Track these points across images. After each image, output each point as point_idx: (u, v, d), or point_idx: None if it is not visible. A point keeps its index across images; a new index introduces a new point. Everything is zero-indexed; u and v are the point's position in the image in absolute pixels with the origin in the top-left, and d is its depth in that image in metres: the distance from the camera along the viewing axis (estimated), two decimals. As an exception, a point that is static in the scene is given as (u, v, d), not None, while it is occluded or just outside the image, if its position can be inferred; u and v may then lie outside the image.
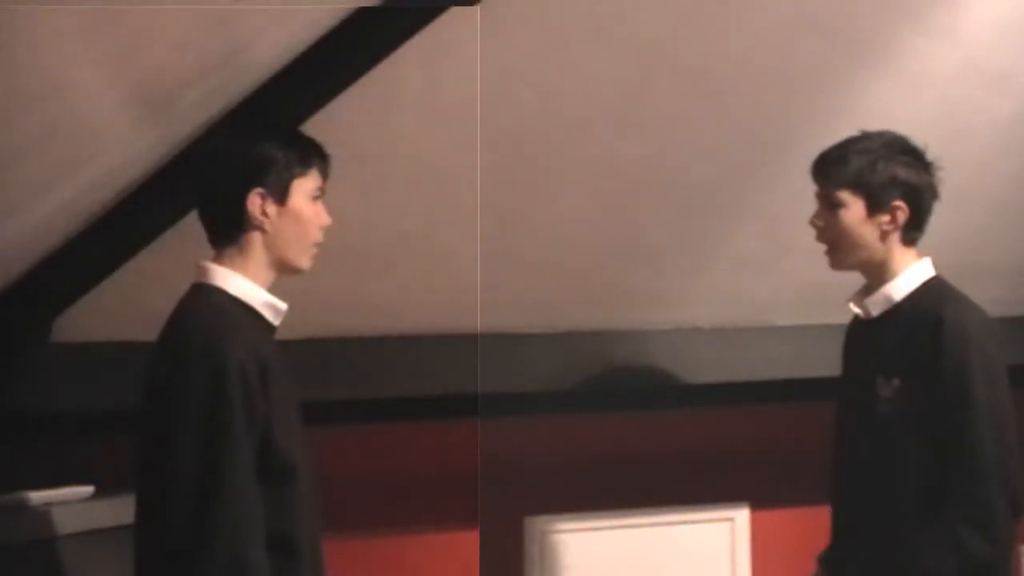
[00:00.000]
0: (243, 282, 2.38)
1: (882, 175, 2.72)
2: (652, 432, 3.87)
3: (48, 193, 2.66)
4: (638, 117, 3.07)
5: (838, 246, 2.76)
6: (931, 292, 2.74)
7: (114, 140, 2.62)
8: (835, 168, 2.74)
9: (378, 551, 3.61)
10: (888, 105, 3.19)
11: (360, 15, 2.57)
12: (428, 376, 3.44)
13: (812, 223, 2.78)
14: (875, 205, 2.72)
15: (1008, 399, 2.67)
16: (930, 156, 2.78)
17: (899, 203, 2.72)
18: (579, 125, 3.03)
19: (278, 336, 2.46)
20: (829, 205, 2.75)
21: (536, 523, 3.74)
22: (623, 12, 2.80)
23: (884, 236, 2.74)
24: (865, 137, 2.77)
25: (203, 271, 2.39)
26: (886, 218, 2.73)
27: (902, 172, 2.73)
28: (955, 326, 2.64)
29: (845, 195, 2.73)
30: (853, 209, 2.73)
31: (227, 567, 2.17)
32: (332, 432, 3.13)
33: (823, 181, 2.77)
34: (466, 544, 3.72)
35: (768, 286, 3.66)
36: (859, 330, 2.88)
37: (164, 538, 2.21)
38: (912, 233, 2.77)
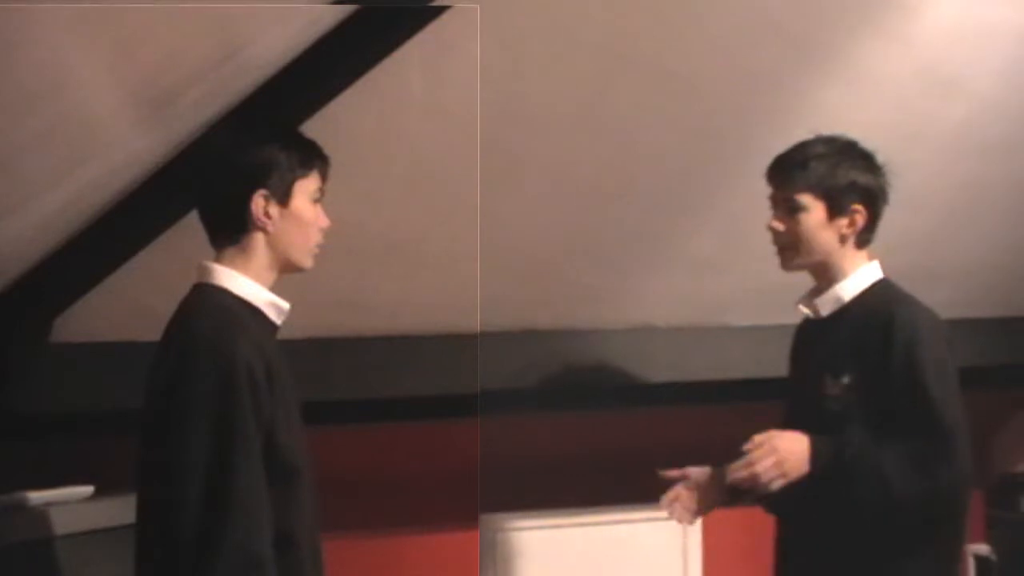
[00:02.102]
0: (246, 282, 2.37)
1: (843, 179, 2.73)
2: (607, 430, 3.89)
3: (48, 193, 2.66)
4: (597, 117, 3.09)
5: (795, 249, 2.76)
6: (880, 293, 2.76)
7: (114, 140, 2.62)
8: (796, 172, 2.75)
9: (377, 550, 3.62)
10: (843, 108, 3.22)
11: (359, 16, 2.58)
12: (422, 376, 3.44)
13: (771, 227, 2.78)
14: (835, 209, 2.73)
15: (959, 396, 2.67)
16: (880, 159, 2.79)
17: (858, 207, 2.74)
18: (539, 125, 3.04)
19: (280, 335, 2.46)
20: (788, 208, 2.75)
21: (490, 521, 3.74)
22: (586, 14, 2.82)
23: (842, 240, 2.75)
24: (822, 141, 2.77)
25: (205, 271, 2.38)
26: (845, 222, 2.74)
27: (861, 176, 2.74)
28: (906, 326, 2.65)
29: (806, 199, 2.73)
30: (814, 213, 2.73)
31: (239, 566, 2.16)
32: (330, 432, 3.13)
33: (782, 184, 2.77)
34: (465, 543, 3.73)
35: (725, 286, 3.69)
36: (808, 330, 2.90)
37: (171, 538, 2.19)
38: (866, 236, 2.78)
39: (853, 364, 2.70)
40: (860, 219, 2.75)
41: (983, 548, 4.22)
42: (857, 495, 2.64)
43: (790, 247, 2.78)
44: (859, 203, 2.74)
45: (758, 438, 2.65)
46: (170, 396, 2.24)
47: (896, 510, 2.62)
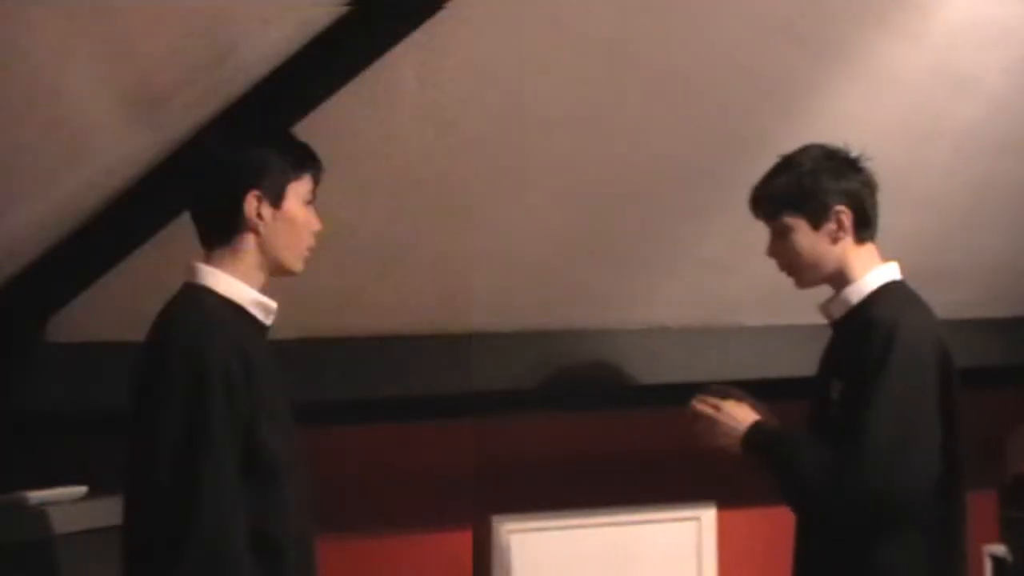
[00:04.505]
0: (232, 281, 2.38)
1: (813, 187, 2.72)
2: (619, 431, 3.87)
3: (42, 194, 2.67)
4: (606, 118, 3.07)
5: (798, 268, 2.78)
6: (882, 295, 2.73)
7: (107, 141, 2.63)
8: (766, 198, 2.78)
9: (371, 551, 3.62)
10: (855, 108, 3.19)
11: (353, 15, 2.56)
12: (421, 377, 3.44)
13: (768, 255, 2.81)
14: (817, 218, 2.73)
15: (922, 409, 2.62)
16: (852, 152, 2.77)
17: (840, 207, 2.73)
18: (546, 126, 3.03)
19: (274, 336, 2.46)
20: (777, 234, 2.78)
21: (503, 522, 3.74)
22: (592, 13, 2.80)
23: (835, 242, 2.74)
24: (786, 159, 2.79)
25: (192, 271, 2.39)
26: (832, 226, 2.73)
27: (832, 178, 2.73)
28: (885, 329, 2.62)
29: (786, 219, 2.75)
30: (798, 230, 2.74)
31: (208, 566, 2.17)
32: (324, 432, 3.14)
33: (761, 214, 2.81)
34: (460, 543, 3.73)
35: (735, 287, 3.66)
36: (832, 333, 2.89)
37: (145, 537, 2.21)
38: (862, 232, 2.76)
39: (845, 369, 2.70)
40: (846, 218, 2.73)
41: (998, 548, 4.19)
42: (780, 490, 2.73)
43: (793, 269, 2.80)
44: (839, 203, 2.73)
45: (732, 395, 2.87)
46: (145, 396, 2.26)
47: (815, 512, 2.69)
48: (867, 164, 2.78)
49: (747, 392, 2.93)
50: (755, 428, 2.79)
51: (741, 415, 2.82)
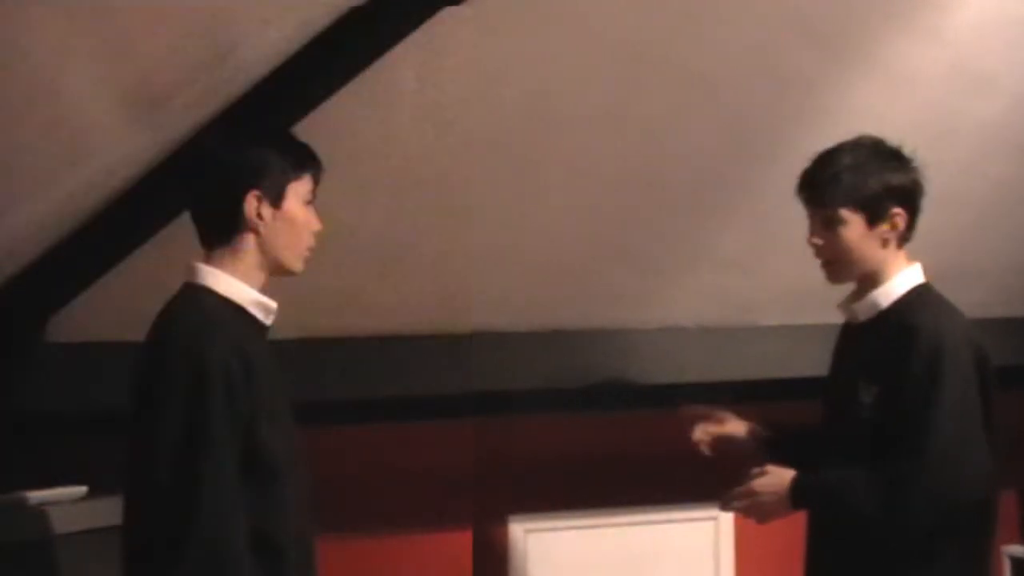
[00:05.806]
0: (232, 282, 2.38)
1: (877, 185, 2.68)
2: (637, 431, 3.87)
3: (42, 194, 2.67)
4: (625, 117, 3.08)
5: (840, 262, 2.73)
6: (915, 299, 2.71)
7: (108, 141, 2.63)
8: (828, 188, 2.70)
9: (372, 551, 3.62)
10: (874, 107, 3.19)
11: (353, 16, 2.57)
12: (421, 376, 3.44)
13: (811, 243, 2.74)
14: (875, 217, 2.68)
15: (974, 414, 2.62)
16: (908, 151, 2.74)
17: (897, 210, 2.69)
18: (565, 125, 3.03)
19: (274, 336, 2.46)
20: (827, 223, 2.71)
21: (520, 522, 3.75)
22: (611, 13, 2.81)
23: (885, 244, 2.71)
24: (846, 149, 2.72)
25: (192, 271, 2.39)
26: (886, 227, 2.69)
27: (893, 177, 2.69)
28: (930, 336, 2.60)
29: (845, 213, 2.68)
30: (854, 225, 2.69)
31: (207, 566, 2.18)
32: (324, 432, 3.14)
33: (816, 202, 2.73)
34: (460, 544, 3.73)
35: (754, 286, 3.67)
36: (849, 333, 2.86)
37: (145, 537, 2.22)
38: (907, 235, 2.74)
39: (882, 372, 2.67)
40: (901, 221, 2.70)
41: (1018, 549, 4.18)
42: (837, 523, 2.71)
43: (835, 261, 2.74)
44: (897, 205, 2.69)
45: (754, 474, 2.78)
46: (145, 397, 2.26)
47: (877, 534, 2.63)
48: (917, 165, 2.75)
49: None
50: (795, 487, 2.72)
51: (774, 483, 2.75)
